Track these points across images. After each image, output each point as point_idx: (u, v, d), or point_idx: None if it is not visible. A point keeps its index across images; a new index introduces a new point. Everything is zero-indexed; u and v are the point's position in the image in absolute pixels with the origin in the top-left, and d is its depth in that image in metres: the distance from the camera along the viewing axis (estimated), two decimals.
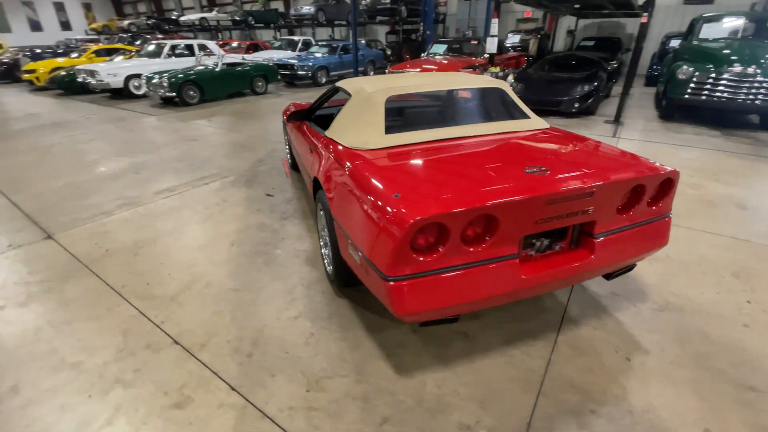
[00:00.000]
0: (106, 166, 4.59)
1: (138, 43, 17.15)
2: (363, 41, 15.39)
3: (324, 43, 12.52)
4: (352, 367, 1.79)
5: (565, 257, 1.72)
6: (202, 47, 10.43)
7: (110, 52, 11.96)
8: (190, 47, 10.27)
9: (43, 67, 10.66)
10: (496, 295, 1.57)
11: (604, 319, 2.06)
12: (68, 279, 2.46)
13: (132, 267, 2.58)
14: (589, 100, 6.69)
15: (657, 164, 1.79)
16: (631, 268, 1.98)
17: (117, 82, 9.00)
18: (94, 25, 23.60)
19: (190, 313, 2.15)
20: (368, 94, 2.23)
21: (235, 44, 14.39)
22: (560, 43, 13.58)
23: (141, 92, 9.36)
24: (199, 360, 1.84)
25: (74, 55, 11.95)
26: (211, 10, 21.31)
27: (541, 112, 6.84)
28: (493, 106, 2.55)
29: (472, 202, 1.40)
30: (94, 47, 11.69)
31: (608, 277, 1.94)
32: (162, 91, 8.05)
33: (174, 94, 8.02)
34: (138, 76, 9.23)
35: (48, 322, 2.10)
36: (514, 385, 1.69)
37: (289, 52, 12.55)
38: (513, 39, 13.13)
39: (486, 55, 7.77)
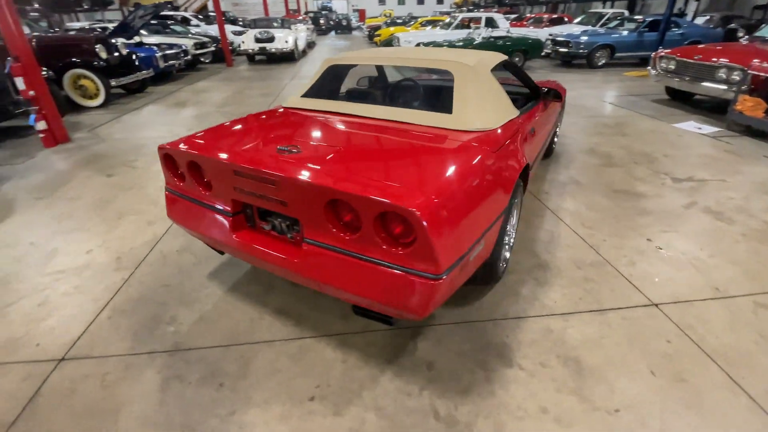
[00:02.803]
0: None
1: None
2: (717, 16, 11.25)
3: (641, 18, 10.19)
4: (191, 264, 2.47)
5: (281, 246, 1.61)
6: (489, 21, 11.00)
7: (435, 23, 14.58)
8: (488, 20, 11.08)
9: (384, 32, 14.49)
10: (213, 239, 1.78)
11: (381, 368, 1.67)
12: None
13: None
14: None
15: (385, 187, 1.27)
16: (387, 321, 1.50)
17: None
18: (457, 0, 28.28)
19: None
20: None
21: (545, 17, 14.00)
22: None
23: None
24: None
25: (410, 24, 15.38)
26: None
27: None
28: (431, 92, 2.08)
29: (184, 147, 1.68)
30: (422, 19, 14.58)
31: (354, 310, 1.57)
32: None
33: None
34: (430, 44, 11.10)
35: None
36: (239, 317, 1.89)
37: (588, 27, 11.06)
38: None
39: None
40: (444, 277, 1.30)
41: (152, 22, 11.15)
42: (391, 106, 2.03)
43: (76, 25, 13.37)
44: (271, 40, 11.34)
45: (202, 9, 27.98)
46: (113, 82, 6.37)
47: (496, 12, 10.81)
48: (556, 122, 3.31)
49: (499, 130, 1.87)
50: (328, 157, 1.52)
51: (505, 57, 2.47)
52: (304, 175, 1.38)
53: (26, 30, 6.21)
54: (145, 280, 2.26)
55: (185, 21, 12.89)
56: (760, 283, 2.13)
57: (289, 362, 1.71)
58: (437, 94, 2.48)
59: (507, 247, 2.18)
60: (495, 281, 2.06)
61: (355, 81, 3.05)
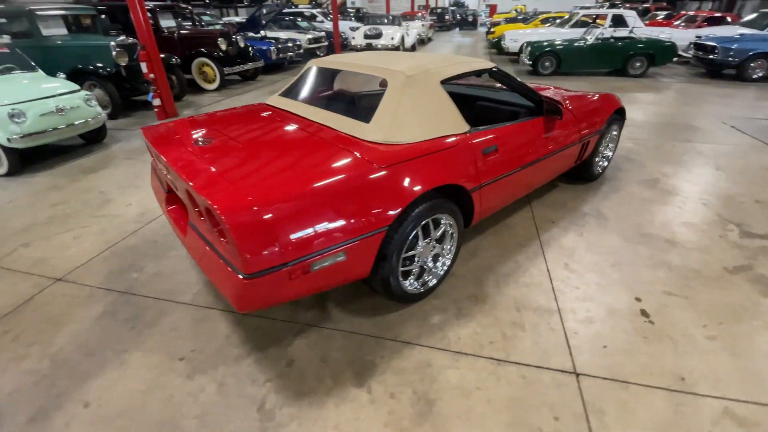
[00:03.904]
0: None
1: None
2: None
3: None
4: None
5: (185, 225, 1.84)
6: (617, 19, 9.53)
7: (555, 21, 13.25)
8: (616, 18, 9.66)
9: (498, 29, 13.74)
10: (161, 207, 2.12)
11: (250, 352, 1.82)
12: None
13: None
14: None
15: (213, 184, 1.41)
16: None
17: (514, 47, 10.46)
18: None
19: None
20: None
21: (701, 15, 11.49)
22: None
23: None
24: None
25: (529, 21, 14.25)
26: None
27: None
28: (367, 98, 2.01)
29: (144, 131, 2.03)
30: (544, 16, 13.37)
31: None
32: (524, 59, 8.77)
33: (530, 62, 8.56)
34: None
35: None
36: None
37: (752, 30, 8.71)
38: None
39: None
40: (257, 277, 1.36)
41: (286, 18, 12.74)
42: (331, 111, 2.07)
43: (234, 19, 16.04)
44: (378, 36, 11.87)
45: (341, 6, 30.58)
46: (226, 70, 7.57)
47: (626, 8, 9.28)
48: (581, 141, 2.84)
49: (414, 146, 1.77)
50: (217, 152, 1.69)
51: (486, 66, 2.25)
52: (176, 164, 1.58)
53: (172, 23, 7.78)
54: (145, 234, 2.79)
55: (313, 17, 14.34)
56: (750, 390, 1.57)
57: (188, 325, 1.96)
58: (360, 97, 2.38)
59: (433, 271, 2.06)
60: (403, 300, 1.97)
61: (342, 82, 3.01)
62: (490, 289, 2.17)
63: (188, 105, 6.65)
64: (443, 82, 2.00)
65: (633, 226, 2.75)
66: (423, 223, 1.81)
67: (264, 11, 9.11)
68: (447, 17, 24.71)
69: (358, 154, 1.65)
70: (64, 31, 5.80)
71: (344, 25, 15.07)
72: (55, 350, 1.84)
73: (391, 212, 1.63)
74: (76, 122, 4.12)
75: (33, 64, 4.34)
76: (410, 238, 1.77)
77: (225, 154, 1.68)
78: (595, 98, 3.00)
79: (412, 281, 1.96)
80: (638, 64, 8.08)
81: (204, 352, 1.81)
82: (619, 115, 3.25)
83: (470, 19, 25.76)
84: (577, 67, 8.36)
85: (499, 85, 3.46)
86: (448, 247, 2.09)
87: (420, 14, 16.85)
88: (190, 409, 1.54)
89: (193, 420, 1.50)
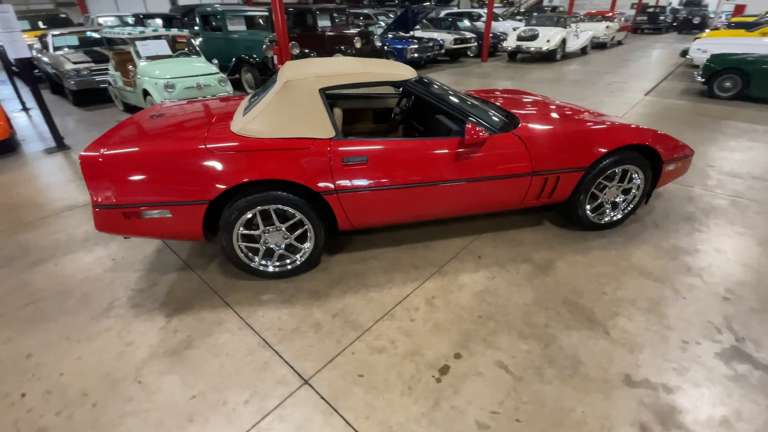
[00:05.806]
0: None
1: None
2: None
3: None
4: None
5: None
6: None
7: None
8: None
9: (710, 35, 10.63)
10: None
11: (150, 271, 2.51)
12: None
13: None
14: None
15: (103, 141, 2.05)
16: None
17: (701, 58, 8.11)
18: None
19: None
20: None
21: None
22: None
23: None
24: None
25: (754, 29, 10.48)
26: None
27: None
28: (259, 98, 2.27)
29: None
30: None
31: None
32: (696, 75, 6.79)
33: (703, 80, 6.58)
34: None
35: None
36: None
37: None
38: None
39: None
40: (101, 209, 1.97)
41: (448, 18, 13.16)
42: (250, 105, 2.45)
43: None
44: (532, 38, 10.99)
45: (537, 4, 28.71)
46: None
47: None
48: (538, 174, 2.37)
49: (259, 140, 2.03)
50: (147, 124, 2.36)
51: (401, 77, 2.22)
52: (114, 128, 2.32)
53: (328, 23, 9.22)
54: None
55: (477, 18, 14.25)
56: None
57: (139, 242, 2.78)
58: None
59: (289, 258, 2.30)
60: (248, 272, 2.28)
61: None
62: (336, 291, 2.25)
63: None
64: (327, 89, 2.15)
65: (569, 291, 2.22)
66: (261, 209, 2.09)
67: (413, 11, 9.76)
68: (662, 18, 20.17)
69: (204, 137, 2.06)
70: (244, 27, 7.79)
71: (509, 26, 14.41)
72: (59, 237, 2.91)
73: (212, 190, 1.99)
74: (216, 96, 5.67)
75: (198, 50, 6.14)
76: (243, 218, 2.09)
77: (147, 125, 2.34)
78: (586, 124, 2.44)
79: (260, 259, 2.26)
80: None
81: (126, 260, 2.58)
82: (640, 154, 2.53)
83: (696, 20, 20.26)
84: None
85: (503, 97, 3.13)
86: (307, 243, 2.28)
87: (610, 14, 14.46)
88: (84, 286, 2.32)
89: (79, 293, 2.27)
